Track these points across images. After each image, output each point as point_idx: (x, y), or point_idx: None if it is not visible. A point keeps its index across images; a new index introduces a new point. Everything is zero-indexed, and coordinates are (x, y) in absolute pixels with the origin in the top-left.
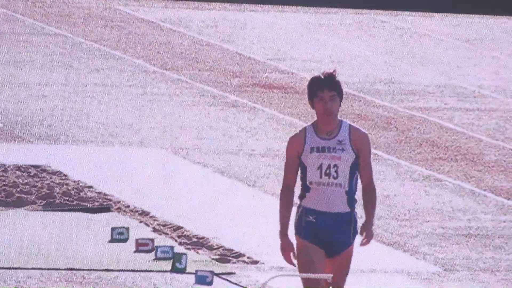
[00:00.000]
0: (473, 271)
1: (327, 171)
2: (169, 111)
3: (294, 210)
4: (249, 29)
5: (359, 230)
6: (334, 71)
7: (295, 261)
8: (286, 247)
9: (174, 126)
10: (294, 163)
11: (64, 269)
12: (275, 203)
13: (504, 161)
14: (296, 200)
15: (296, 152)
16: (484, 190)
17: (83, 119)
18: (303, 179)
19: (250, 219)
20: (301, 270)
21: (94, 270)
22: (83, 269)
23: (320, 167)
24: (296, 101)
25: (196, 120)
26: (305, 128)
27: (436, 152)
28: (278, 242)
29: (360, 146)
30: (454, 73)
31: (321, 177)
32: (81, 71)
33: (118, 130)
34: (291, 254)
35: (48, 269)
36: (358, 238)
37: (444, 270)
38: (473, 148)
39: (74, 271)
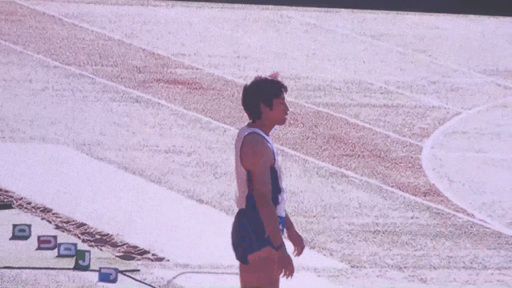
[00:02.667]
0: (380, 267)
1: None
2: (72, 106)
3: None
4: (152, 24)
5: None
6: (277, 73)
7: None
8: (289, 259)
9: (77, 122)
10: (270, 170)
11: None
12: (180, 200)
13: (411, 157)
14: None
15: (273, 159)
16: (391, 186)
17: None
18: (275, 184)
19: (154, 215)
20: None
21: None
22: None
23: (280, 170)
24: (201, 96)
25: (99, 116)
26: (258, 133)
27: (343, 149)
28: (183, 238)
29: None
30: (360, 69)
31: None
32: None
33: (19, 125)
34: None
35: None
36: None
37: (351, 266)
38: (380, 144)
39: None
